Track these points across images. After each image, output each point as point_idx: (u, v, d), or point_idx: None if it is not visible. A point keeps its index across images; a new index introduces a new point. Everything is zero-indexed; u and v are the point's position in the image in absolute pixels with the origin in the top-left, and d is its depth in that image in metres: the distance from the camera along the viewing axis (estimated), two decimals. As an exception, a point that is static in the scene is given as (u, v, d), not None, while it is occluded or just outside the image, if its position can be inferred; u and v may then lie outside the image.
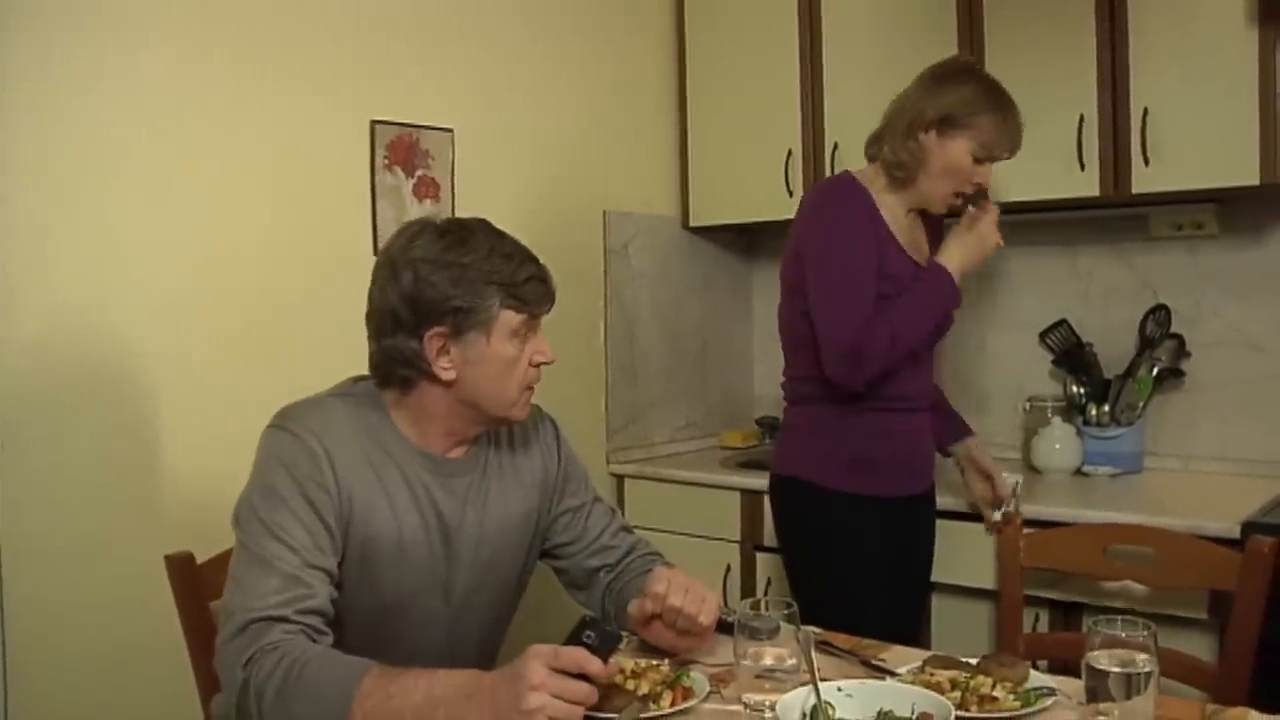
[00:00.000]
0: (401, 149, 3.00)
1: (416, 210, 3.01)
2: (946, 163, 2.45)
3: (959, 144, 2.43)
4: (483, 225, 1.81)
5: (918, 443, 2.62)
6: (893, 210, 2.52)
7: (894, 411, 2.52)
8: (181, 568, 1.97)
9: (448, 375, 1.77)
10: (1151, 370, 3.17)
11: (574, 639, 1.51)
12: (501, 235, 1.81)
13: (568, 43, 3.49)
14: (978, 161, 2.44)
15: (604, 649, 1.51)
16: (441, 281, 1.73)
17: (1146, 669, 1.47)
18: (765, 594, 1.73)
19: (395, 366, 1.79)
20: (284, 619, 1.60)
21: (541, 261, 1.82)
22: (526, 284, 1.76)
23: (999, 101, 2.43)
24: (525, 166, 3.35)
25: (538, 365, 1.83)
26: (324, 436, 1.73)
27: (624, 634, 1.67)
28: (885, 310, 2.40)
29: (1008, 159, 2.47)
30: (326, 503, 1.70)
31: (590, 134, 3.57)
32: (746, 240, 4.09)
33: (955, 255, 2.47)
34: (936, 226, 2.65)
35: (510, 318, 1.76)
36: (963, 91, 2.43)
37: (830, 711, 1.44)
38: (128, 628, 2.41)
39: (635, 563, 2.06)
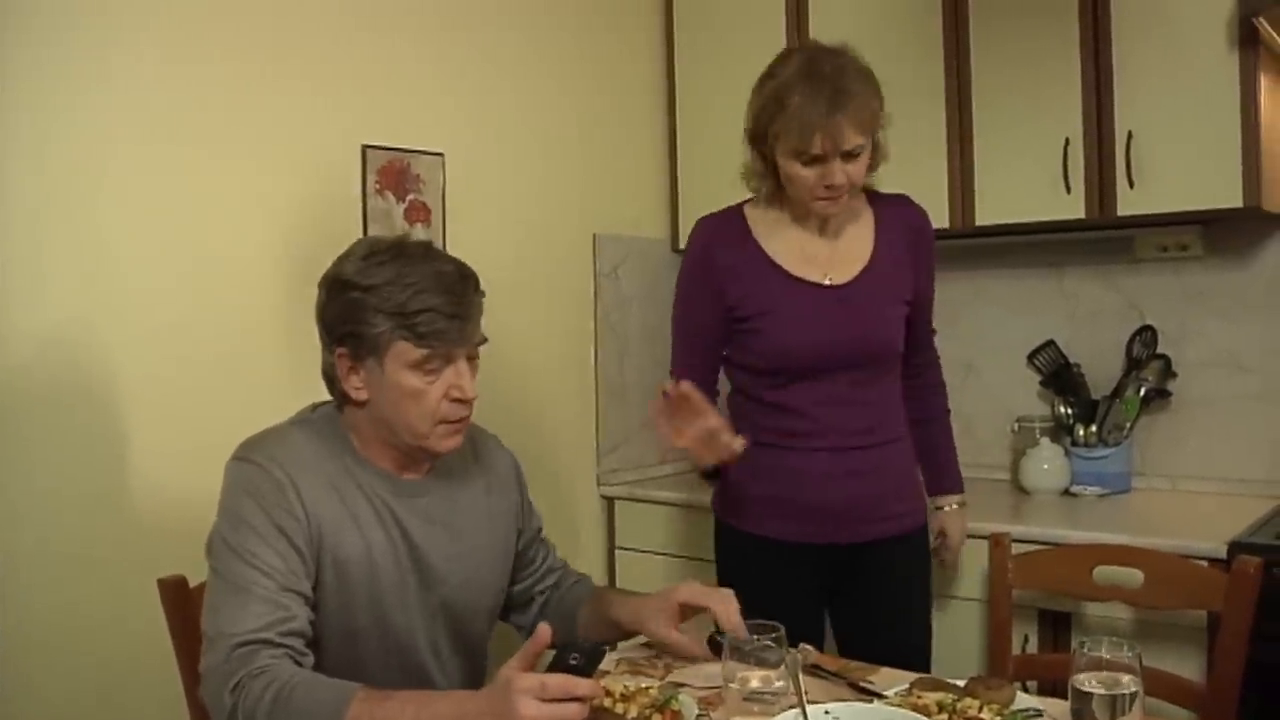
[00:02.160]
0: (392, 173, 3.01)
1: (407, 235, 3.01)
2: (782, 174, 2.28)
3: (777, 155, 2.25)
4: (415, 249, 1.79)
5: (824, 487, 2.32)
6: (773, 224, 2.36)
7: (784, 450, 2.33)
8: (174, 591, 1.97)
9: (359, 395, 1.79)
10: (1139, 391, 3.19)
11: (558, 663, 1.52)
12: (429, 261, 1.77)
13: (558, 68, 3.51)
14: (805, 165, 2.20)
15: (590, 666, 1.52)
16: (335, 304, 1.76)
17: (1131, 690, 1.48)
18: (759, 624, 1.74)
19: (329, 382, 1.84)
20: (269, 642, 1.61)
21: (468, 295, 1.77)
22: (419, 316, 1.71)
23: (788, 99, 2.17)
24: (515, 190, 3.36)
25: (456, 400, 1.78)
26: (287, 464, 1.75)
27: (605, 647, 1.67)
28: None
29: (834, 148, 2.17)
30: (296, 529, 1.71)
31: (580, 158, 3.58)
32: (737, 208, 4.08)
33: None
34: (914, 238, 2.43)
35: (406, 349, 1.73)
36: (759, 100, 2.27)
37: (818, 734, 1.45)
38: (119, 650, 2.40)
39: (565, 580, 2.15)
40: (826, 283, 2.32)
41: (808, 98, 2.14)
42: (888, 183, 3.27)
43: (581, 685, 1.48)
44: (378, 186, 2.98)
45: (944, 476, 2.59)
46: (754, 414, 2.37)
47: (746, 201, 2.43)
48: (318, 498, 1.75)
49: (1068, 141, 2.98)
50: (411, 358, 1.73)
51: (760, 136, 2.28)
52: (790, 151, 2.20)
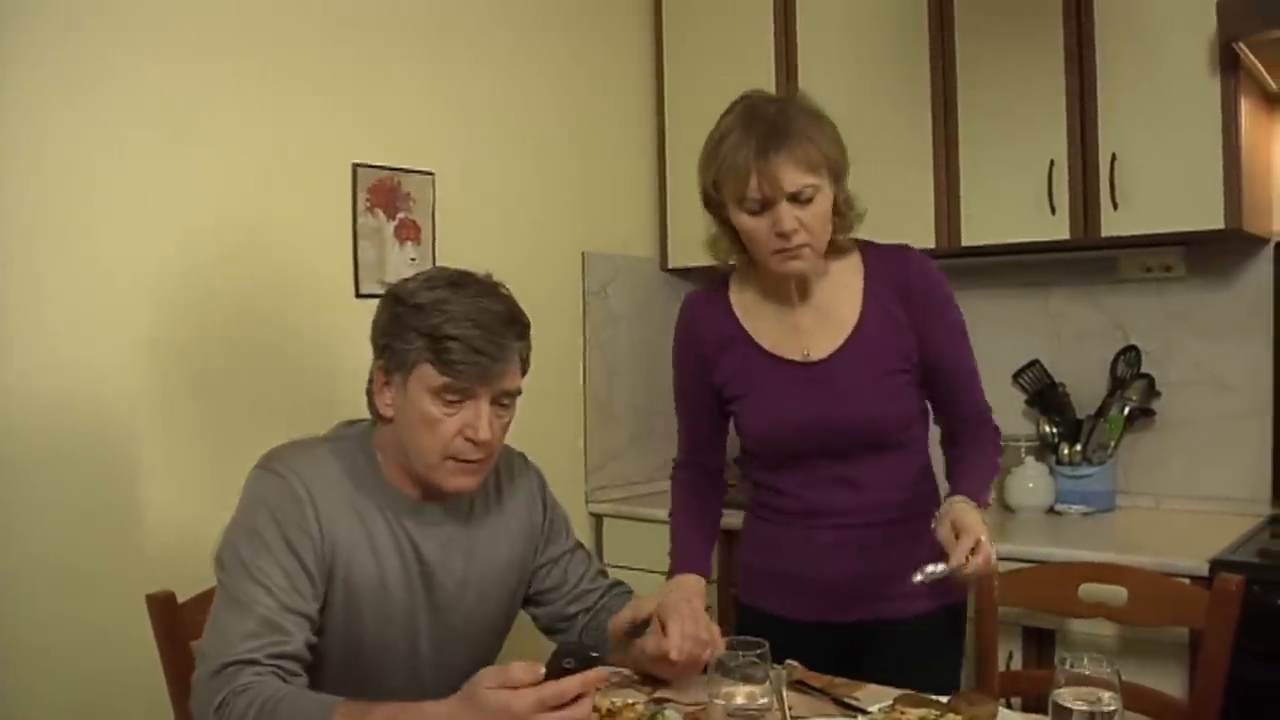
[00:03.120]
0: (383, 192, 3.03)
1: (398, 252, 3.04)
2: (741, 235, 2.07)
3: (729, 211, 2.05)
4: (473, 282, 1.78)
5: (818, 562, 2.15)
6: (752, 298, 2.19)
7: (787, 526, 2.21)
8: (162, 607, 1.97)
9: (387, 412, 1.79)
10: (1123, 410, 3.21)
11: (554, 670, 1.52)
12: (479, 296, 1.75)
13: (548, 87, 3.53)
14: (752, 214, 2.00)
15: (586, 668, 1.53)
16: (385, 315, 1.77)
17: (1110, 707, 1.50)
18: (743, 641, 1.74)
19: (368, 394, 1.84)
20: (255, 662, 1.60)
21: (505, 338, 1.74)
22: (449, 343, 1.69)
23: (724, 144, 2.01)
24: (505, 208, 3.38)
25: (470, 440, 1.75)
26: (309, 481, 1.75)
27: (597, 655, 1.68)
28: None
29: (776, 190, 1.96)
30: (308, 547, 1.71)
31: (570, 177, 3.61)
32: (725, 282, 4.10)
33: None
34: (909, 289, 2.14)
35: (429, 374, 1.72)
36: (703, 155, 2.09)
37: (801, 749, 1.46)
38: (108, 666, 2.40)
39: (610, 603, 2.08)
40: (805, 359, 2.12)
41: (743, 139, 1.97)
42: (874, 200, 3.33)
43: (573, 684, 1.47)
44: (368, 204, 3.00)
45: (960, 482, 2.10)
46: (756, 490, 2.28)
47: (732, 272, 2.25)
48: (335, 516, 1.75)
49: (1052, 163, 3.02)
50: (433, 383, 1.72)
51: (710, 196, 2.09)
52: (735, 201, 2.01)
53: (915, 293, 2.11)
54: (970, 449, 2.17)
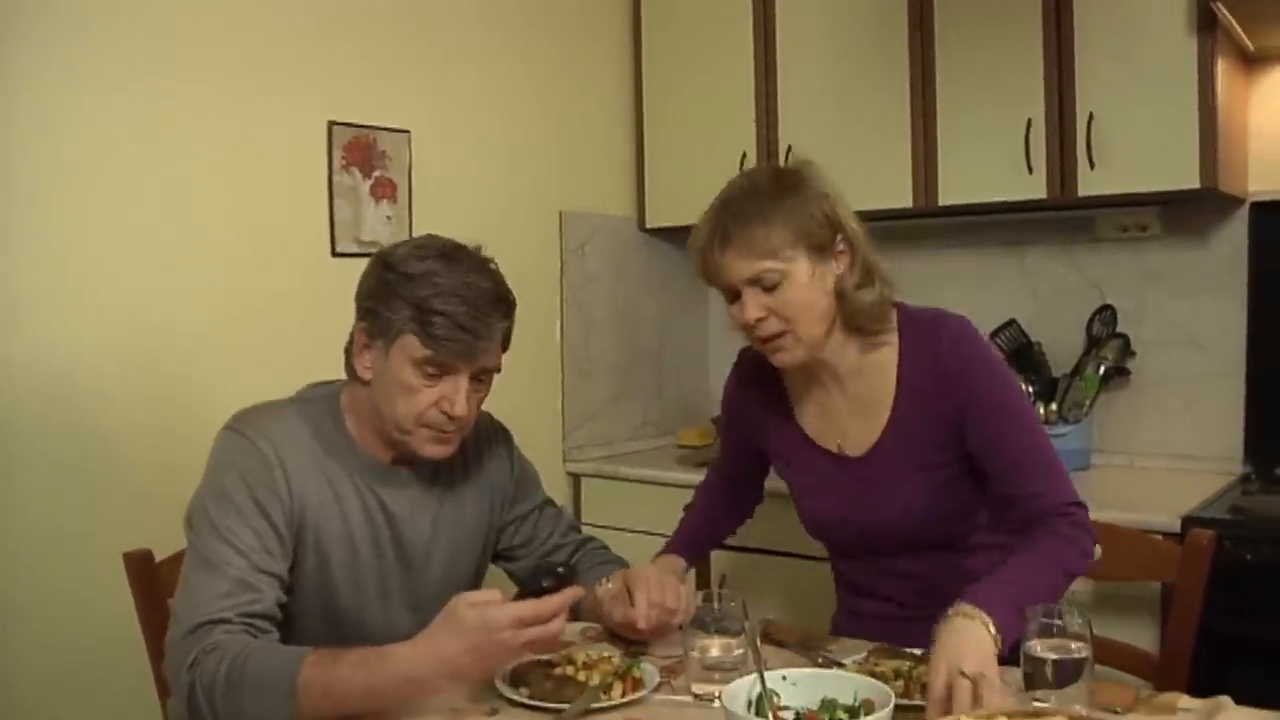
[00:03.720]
0: (359, 150, 3.01)
1: (373, 210, 3.03)
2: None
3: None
4: (469, 258, 1.78)
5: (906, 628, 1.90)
6: (792, 375, 2.05)
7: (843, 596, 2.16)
8: (140, 565, 1.97)
9: (365, 374, 1.80)
10: (1098, 369, 3.23)
11: (531, 589, 1.55)
12: (469, 272, 1.75)
13: (524, 44, 3.51)
14: (730, 304, 1.90)
15: (564, 588, 1.56)
16: (370, 280, 1.78)
17: (1081, 655, 1.51)
18: (719, 589, 1.76)
19: (348, 352, 1.84)
20: (226, 621, 1.61)
21: (491, 317, 1.74)
22: (435, 316, 1.70)
23: (694, 239, 1.92)
24: (481, 167, 3.37)
25: (445, 413, 1.75)
26: (278, 443, 1.75)
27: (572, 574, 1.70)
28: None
29: (729, 284, 1.87)
30: (277, 507, 1.72)
31: (547, 135, 3.59)
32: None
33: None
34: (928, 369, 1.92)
35: (411, 344, 1.72)
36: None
37: (775, 699, 1.47)
38: (86, 625, 2.41)
39: (585, 557, 2.10)
40: (839, 452, 2.00)
41: (706, 229, 1.88)
42: (851, 160, 3.33)
43: (550, 604, 1.52)
44: (344, 163, 2.98)
45: (983, 584, 1.69)
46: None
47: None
48: (304, 478, 1.76)
49: (1030, 123, 3.01)
50: (415, 354, 1.72)
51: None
52: (711, 286, 1.92)
53: (949, 375, 1.88)
54: (1027, 544, 1.79)
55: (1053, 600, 1.65)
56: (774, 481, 2.27)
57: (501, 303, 1.77)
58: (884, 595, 2.03)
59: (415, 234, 2.65)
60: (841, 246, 1.88)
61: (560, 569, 1.62)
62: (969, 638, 1.56)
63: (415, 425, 1.76)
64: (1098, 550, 1.89)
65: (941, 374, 1.88)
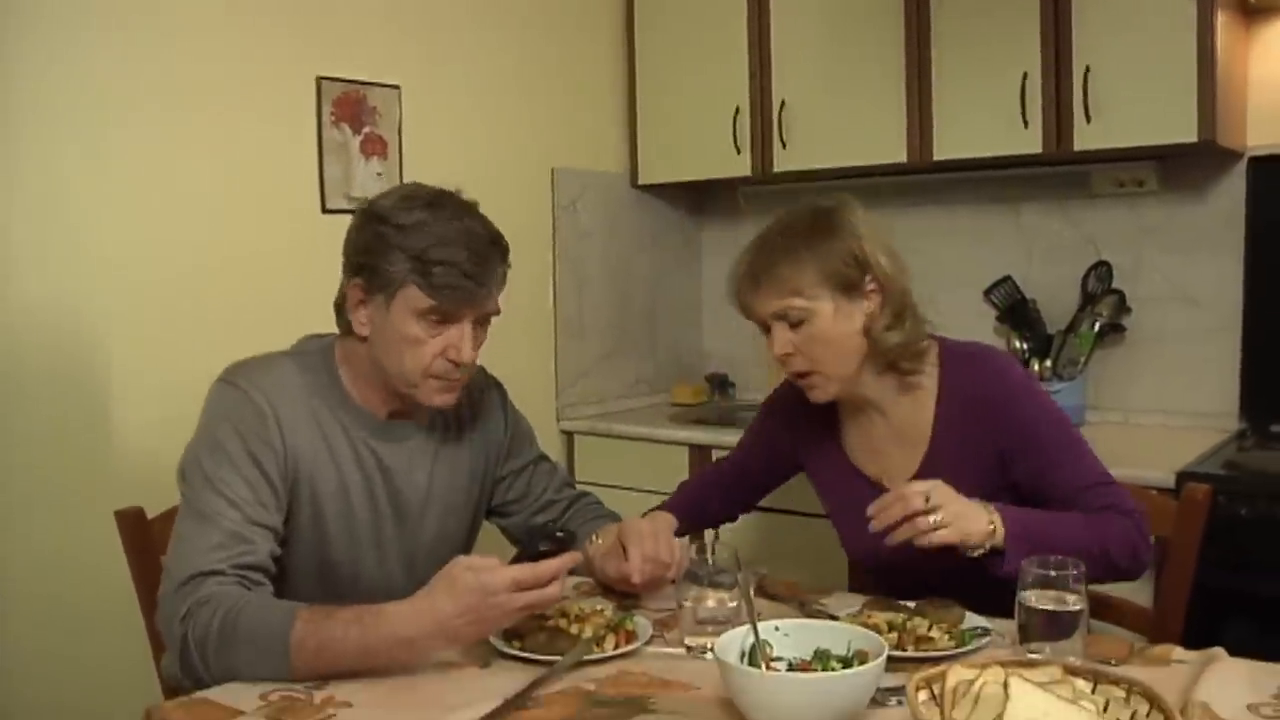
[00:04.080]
0: (348, 105, 2.98)
1: (364, 167, 3.00)
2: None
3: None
4: (454, 202, 1.77)
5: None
6: (845, 406, 2.06)
7: None
8: (132, 523, 1.97)
9: (362, 330, 1.77)
10: (1093, 325, 3.22)
11: (529, 551, 1.54)
12: (462, 218, 1.74)
13: (515, -1, 3.47)
14: (764, 332, 1.96)
15: (562, 552, 1.55)
16: (368, 234, 1.74)
17: (1076, 607, 1.51)
18: (713, 542, 1.75)
19: (339, 307, 1.82)
20: (219, 573, 1.60)
21: (490, 261, 1.74)
22: (436, 266, 1.69)
23: (732, 269, 1.98)
24: (472, 123, 3.33)
25: (450, 360, 1.75)
26: (271, 395, 1.74)
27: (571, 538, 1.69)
28: None
29: (757, 318, 1.95)
30: (271, 459, 1.71)
31: (538, 90, 3.55)
32: (695, 198, 4.09)
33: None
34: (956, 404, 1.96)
35: (415, 295, 1.71)
36: None
37: (768, 650, 1.46)
38: (78, 584, 2.40)
39: (579, 512, 2.10)
40: (879, 480, 1.99)
41: (741, 264, 1.95)
42: (844, 115, 3.30)
43: (547, 567, 1.51)
44: (333, 118, 2.95)
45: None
46: None
47: None
48: (298, 430, 1.75)
49: (1026, 76, 2.98)
50: (419, 306, 1.71)
51: None
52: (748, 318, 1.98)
53: (991, 408, 1.90)
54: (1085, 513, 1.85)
55: (1074, 555, 1.59)
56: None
57: (497, 246, 1.77)
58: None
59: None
60: (871, 286, 1.91)
61: (559, 533, 1.61)
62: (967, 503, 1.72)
63: (423, 377, 1.75)
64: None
65: (983, 407, 1.91)
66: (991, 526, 1.72)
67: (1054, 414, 1.94)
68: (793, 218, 1.95)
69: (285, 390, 1.76)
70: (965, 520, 1.71)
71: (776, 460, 2.21)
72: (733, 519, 2.34)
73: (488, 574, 1.50)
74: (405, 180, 3.03)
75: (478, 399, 2.02)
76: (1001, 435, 1.89)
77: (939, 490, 1.71)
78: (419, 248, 1.69)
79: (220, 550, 1.62)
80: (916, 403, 1.97)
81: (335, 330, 1.86)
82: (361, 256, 1.74)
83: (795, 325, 1.89)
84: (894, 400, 1.99)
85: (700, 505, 2.25)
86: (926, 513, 1.69)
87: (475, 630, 1.54)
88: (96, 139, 2.47)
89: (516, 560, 1.55)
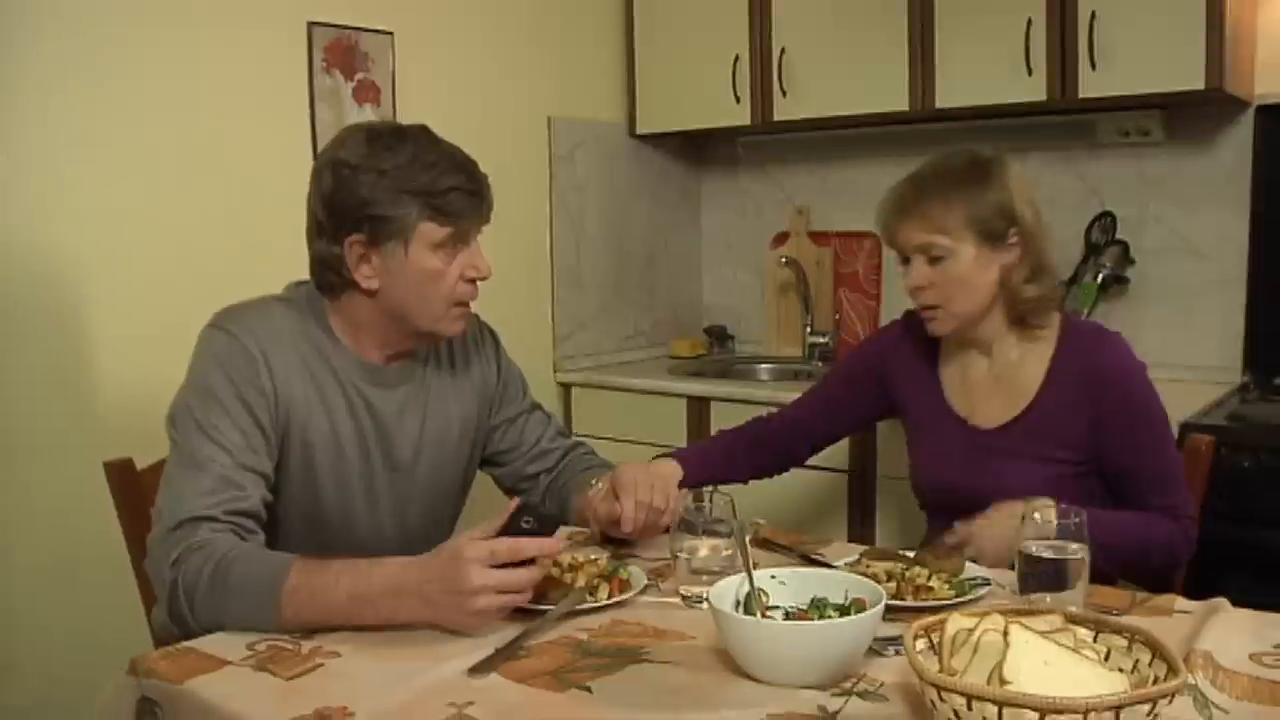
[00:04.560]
0: (340, 51, 2.93)
1: (356, 114, 2.95)
2: None
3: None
4: (420, 132, 1.76)
5: None
6: (948, 343, 2.13)
7: None
8: (121, 473, 1.96)
9: (370, 284, 1.74)
10: (1096, 277, 3.18)
11: (512, 525, 1.50)
12: (435, 142, 1.75)
13: (511, -57, 3.41)
14: (901, 265, 2.07)
15: (543, 532, 1.51)
16: (358, 187, 1.70)
17: (1078, 557, 1.48)
18: (710, 490, 1.73)
19: (324, 271, 1.78)
20: (212, 518, 1.59)
21: (478, 172, 1.76)
22: (448, 194, 1.70)
23: (883, 199, 2.08)
24: (467, 70, 3.28)
25: (470, 280, 1.77)
26: (262, 339, 1.72)
27: (556, 516, 1.68)
28: None
29: (899, 248, 2.05)
30: (262, 405, 1.69)
31: (535, 38, 3.50)
32: (695, 148, 4.04)
33: None
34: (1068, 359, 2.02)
35: (431, 230, 1.71)
36: None
37: (764, 598, 1.44)
38: (68, 535, 2.39)
39: (573, 463, 2.08)
40: (970, 421, 2.07)
41: (894, 192, 2.04)
42: (846, 63, 3.25)
43: (529, 546, 1.48)
44: (325, 65, 2.90)
45: None
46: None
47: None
48: (289, 376, 1.73)
49: (1030, 22, 2.93)
50: (436, 238, 1.71)
51: None
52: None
53: (1101, 384, 1.96)
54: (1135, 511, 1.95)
55: (1109, 553, 1.66)
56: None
57: (471, 158, 1.78)
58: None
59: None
60: (1014, 239, 1.98)
61: (542, 510, 1.58)
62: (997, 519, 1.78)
63: (448, 307, 1.77)
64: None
65: (1095, 380, 1.96)
66: None
67: (1157, 408, 2.00)
68: (950, 159, 2.02)
69: (276, 335, 1.74)
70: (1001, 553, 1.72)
71: (865, 399, 2.24)
72: (766, 473, 2.31)
73: (466, 541, 1.48)
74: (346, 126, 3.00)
75: (471, 346, 2.00)
76: (1103, 408, 1.95)
77: (979, 532, 1.79)
78: (423, 184, 1.69)
79: (212, 495, 1.60)
80: (1029, 356, 2.03)
81: None
82: (362, 210, 1.70)
83: (934, 261, 1.97)
84: (1006, 348, 2.05)
85: (726, 456, 2.23)
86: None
87: (446, 598, 1.46)
88: (82, 86, 2.43)
89: (500, 534, 1.51)
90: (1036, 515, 1.51)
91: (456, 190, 1.70)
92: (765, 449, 2.27)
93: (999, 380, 2.05)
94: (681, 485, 1.94)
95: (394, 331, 1.80)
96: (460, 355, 1.97)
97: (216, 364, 1.69)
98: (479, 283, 1.79)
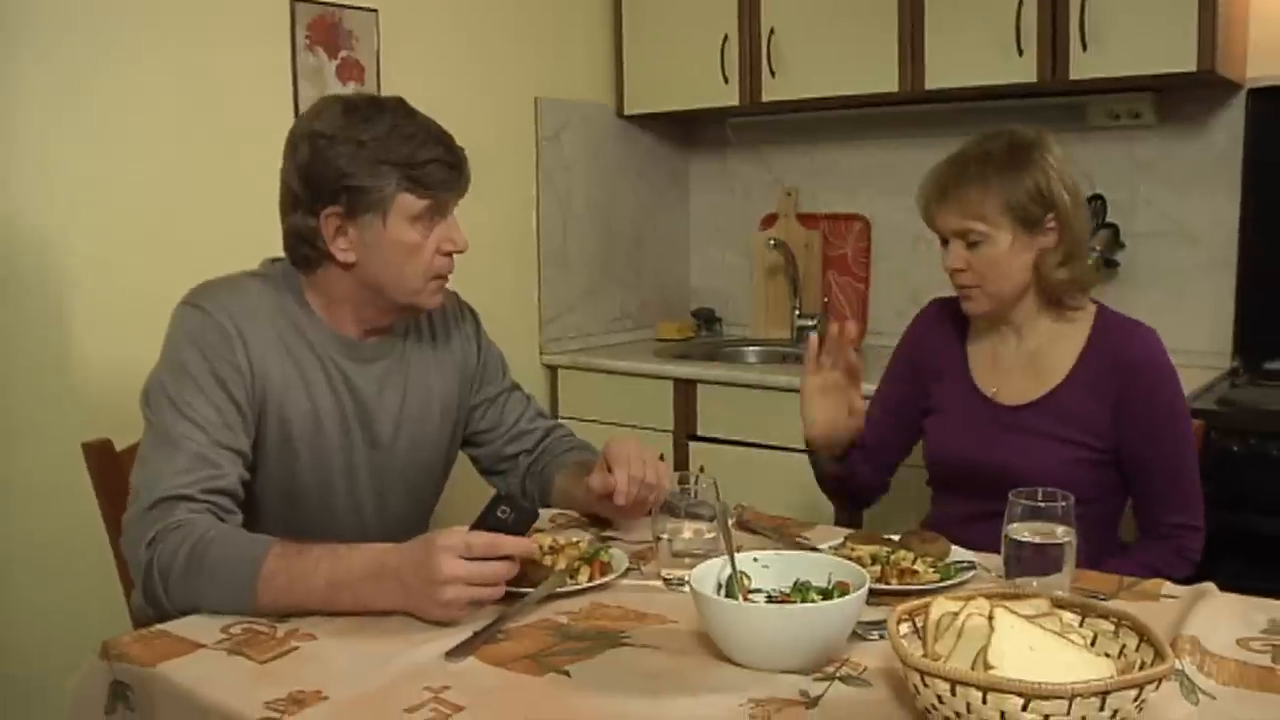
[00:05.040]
0: (323, 29, 2.90)
1: (339, 93, 2.91)
2: None
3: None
4: (395, 103, 1.75)
5: None
6: (987, 321, 2.12)
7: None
8: (100, 455, 1.94)
9: (346, 257, 1.72)
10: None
11: (488, 515, 1.48)
12: (412, 114, 1.74)
13: (498, -80, 3.38)
14: (942, 246, 2.06)
15: (519, 524, 1.49)
16: (335, 158, 1.68)
17: (1064, 540, 1.47)
18: (697, 472, 1.71)
19: (298, 245, 1.76)
20: (190, 498, 1.57)
21: (455, 144, 1.75)
22: (427, 166, 1.69)
23: (927, 177, 2.08)
24: (453, 49, 3.25)
25: (447, 254, 1.76)
26: (236, 315, 1.70)
27: (539, 510, 1.65)
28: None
29: (940, 230, 2.05)
30: (238, 381, 1.67)
31: (521, 17, 3.46)
32: (683, 129, 4.01)
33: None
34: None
35: (409, 202, 1.69)
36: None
37: (746, 581, 1.42)
38: (46, 517, 2.37)
39: (553, 444, 2.07)
40: (995, 398, 2.07)
41: (936, 174, 2.05)
42: (835, 43, 3.22)
43: (508, 543, 1.46)
44: (308, 42, 2.87)
45: None
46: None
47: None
48: (265, 352, 1.71)
49: (1021, 2, 2.90)
50: (414, 210, 1.70)
51: None
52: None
53: (1130, 371, 1.97)
54: (1137, 546, 2.01)
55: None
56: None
57: (444, 130, 1.77)
58: (973, 544, 1.78)
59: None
60: (1051, 224, 1.98)
61: (520, 501, 1.55)
62: None
63: (426, 280, 1.75)
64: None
65: (1125, 368, 1.97)
66: None
67: (1183, 408, 2.01)
68: (991, 143, 2.02)
69: (251, 311, 1.72)
70: None
71: (915, 392, 2.21)
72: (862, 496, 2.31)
73: (444, 531, 1.46)
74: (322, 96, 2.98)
75: (452, 323, 1.99)
76: (1128, 396, 1.96)
77: None
78: (402, 155, 1.68)
79: (188, 474, 1.58)
80: (1061, 339, 2.04)
81: None
82: (340, 182, 1.69)
83: (972, 245, 1.98)
84: (1038, 329, 2.06)
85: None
86: None
87: (421, 589, 1.44)
88: (64, 62, 2.40)
89: (475, 527, 1.49)
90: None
91: (435, 162, 1.69)
92: (869, 461, 2.21)
93: (1029, 360, 2.06)
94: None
95: (371, 305, 1.78)
96: (441, 331, 1.96)
97: (190, 341, 1.67)
98: (455, 256, 1.78)
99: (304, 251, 1.75)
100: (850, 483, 2.20)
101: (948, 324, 2.18)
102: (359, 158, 1.67)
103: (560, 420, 2.16)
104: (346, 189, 1.68)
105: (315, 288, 1.79)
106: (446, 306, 1.97)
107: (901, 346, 2.29)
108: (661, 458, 1.89)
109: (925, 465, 2.20)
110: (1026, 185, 1.96)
